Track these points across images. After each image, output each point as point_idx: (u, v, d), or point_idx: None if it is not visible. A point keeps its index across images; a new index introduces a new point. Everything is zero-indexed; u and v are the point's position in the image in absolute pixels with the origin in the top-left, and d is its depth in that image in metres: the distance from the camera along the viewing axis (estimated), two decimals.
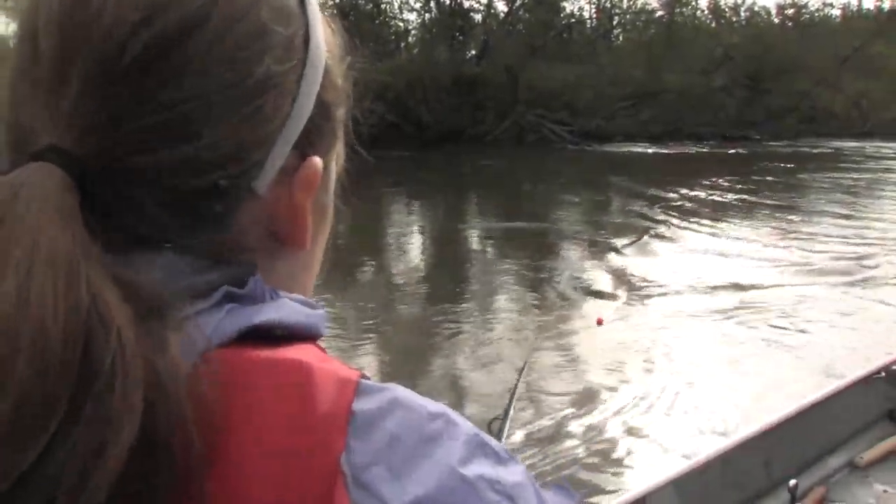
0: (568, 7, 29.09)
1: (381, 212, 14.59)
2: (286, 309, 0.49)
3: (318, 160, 0.52)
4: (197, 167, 0.46)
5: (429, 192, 16.36)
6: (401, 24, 26.43)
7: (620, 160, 22.29)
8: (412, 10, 26.40)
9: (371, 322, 7.14)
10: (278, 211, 0.51)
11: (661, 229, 11.67)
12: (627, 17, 31.38)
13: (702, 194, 15.31)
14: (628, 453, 4.56)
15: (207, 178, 0.46)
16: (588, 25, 30.44)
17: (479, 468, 0.48)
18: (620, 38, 31.86)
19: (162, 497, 0.40)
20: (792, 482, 2.53)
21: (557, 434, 4.71)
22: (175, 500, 0.40)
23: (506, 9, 26.95)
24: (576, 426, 4.85)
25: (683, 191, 15.55)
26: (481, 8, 26.75)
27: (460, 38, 26.09)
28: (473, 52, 26.32)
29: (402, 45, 26.84)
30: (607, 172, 19.39)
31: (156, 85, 0.44)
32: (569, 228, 12.21)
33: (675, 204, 13.99)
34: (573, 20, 29.28)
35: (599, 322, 6.69)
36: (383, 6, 25.58)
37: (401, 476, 0.45)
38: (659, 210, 13.31)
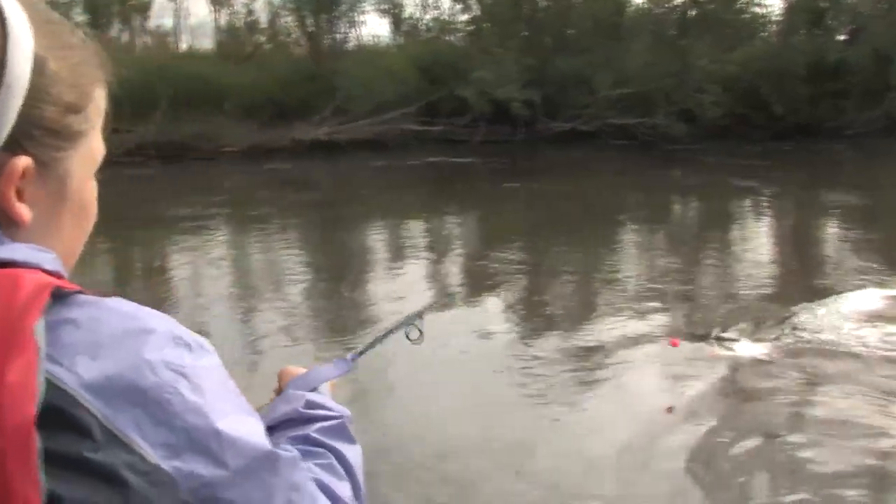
0: None
1: (729, 205, 14.35)
2: (15, 251, 0.68)
3: (18, 160, 0.69)
4: None
5: (777, 188, 15.66)
6: (758, 9, 25.01)
7: None
8: None
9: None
10: None
11: None
12: None
13: None
14: None
15: None
16: None
17: (162, 354, 0.67)
18: None
19: None
20: None
21: None
22: None
23: None
24: None
25: None
26: None
27: (828, 21, 24.18)
28: (841, 36, 24.26)
29: (763, 33, 25.41)
30: None
31: None
32: None
33: None
34: None
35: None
36: None
37: (95, 358, 0.64)
38: None
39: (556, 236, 11.35)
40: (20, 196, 0.71)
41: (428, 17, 27.34)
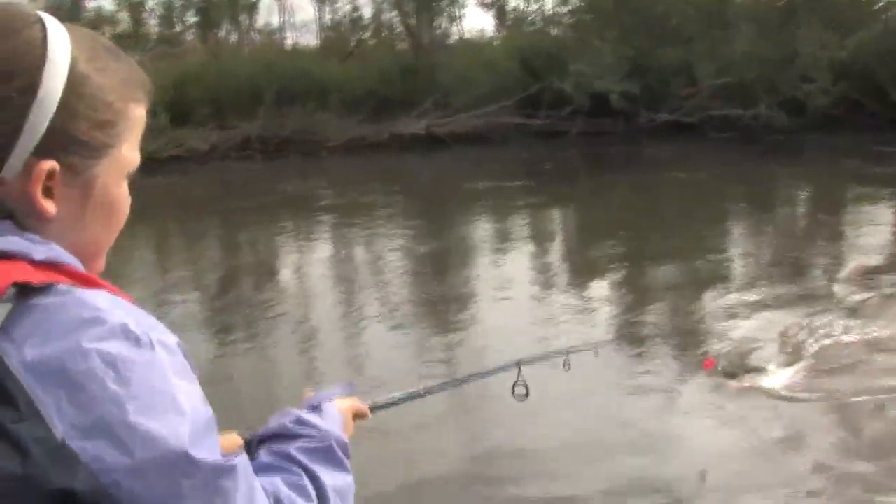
0: None
1: (836, 198, 13.82)
2: (8, 243, 0.79)
3: (45, 164, 0.82)
4: None
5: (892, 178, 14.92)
6: None
7: None
8: None
9: None
10: (23, 191, 0.82)
11: None
12: None
13: None
14: None
15: None
16: None
17: (100, 345, 0.74)
18: None
19: None
20: None
21: None
22: None
23: None
24: None
25: None
26: None
27: None
28: None
29: (883, 15, 23.99)
30: None
31: None
32: None
33: None
34: None
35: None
36: None
37: (44, 340, 0.73)
38: None
39: (650, 232, 11.19)
40: (48, 194, 0.83)
41: (531, 9, 27.27)
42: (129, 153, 0.90)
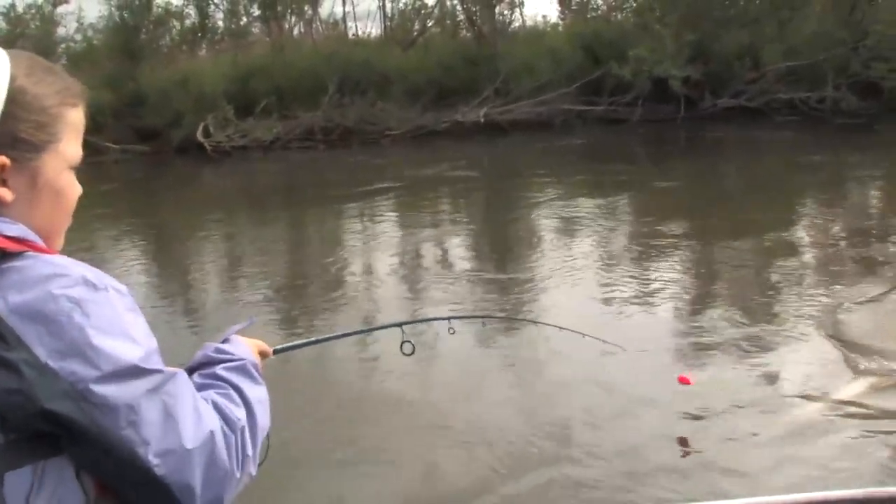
0: None
1: None
2: None
3: None
4: None
5: None
6: None
7: None
8: None
9: None
10: None
11: None
12: None
13: None
14: None
15: None
16: None
17: (66, 290, 0.97)
18: None
19: None
20: None
21: None
22: None
23: None
24: None
25: None
26: None
27: None
28: None
29: None
30: None
31: None
32: None
33: None
34: None
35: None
36: None
37: (21, 291, 0.95)
38: None
39: (709, 225, 11.00)
40: (3, 183, 1.04)
41: None
42: (68, 148, 1.10)
